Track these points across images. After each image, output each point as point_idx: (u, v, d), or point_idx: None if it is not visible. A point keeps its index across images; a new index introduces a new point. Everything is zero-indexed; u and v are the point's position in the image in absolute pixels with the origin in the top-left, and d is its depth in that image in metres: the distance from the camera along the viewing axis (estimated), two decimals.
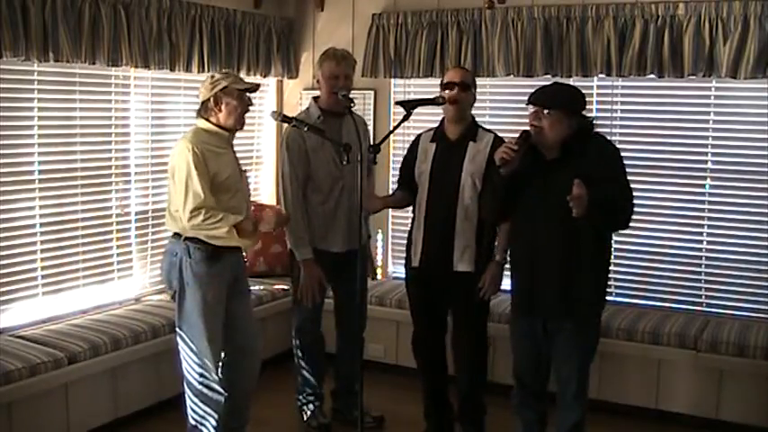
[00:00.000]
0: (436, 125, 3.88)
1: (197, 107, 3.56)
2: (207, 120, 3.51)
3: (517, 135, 3.23)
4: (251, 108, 3.60)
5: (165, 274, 3.60)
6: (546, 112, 3.15)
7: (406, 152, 3.99)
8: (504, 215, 3.43)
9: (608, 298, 4.72)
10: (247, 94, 3.53)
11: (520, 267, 3.40)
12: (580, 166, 3.07)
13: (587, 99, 4.69)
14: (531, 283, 3.30)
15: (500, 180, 3.26)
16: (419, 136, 3.93)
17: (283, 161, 4.01)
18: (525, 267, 3.34)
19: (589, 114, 3.34)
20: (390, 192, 4.31)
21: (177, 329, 3.58)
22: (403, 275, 4.32)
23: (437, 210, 3.73)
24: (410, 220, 3.98)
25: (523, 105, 3.27)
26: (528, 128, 3.22)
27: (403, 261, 4.08)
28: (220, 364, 3.57)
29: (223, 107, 3.46)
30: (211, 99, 3.45)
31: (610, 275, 4.71)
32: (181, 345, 3.58)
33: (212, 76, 3.51)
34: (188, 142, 3.41)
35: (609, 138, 4.66)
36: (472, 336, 3.81)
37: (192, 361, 3.55)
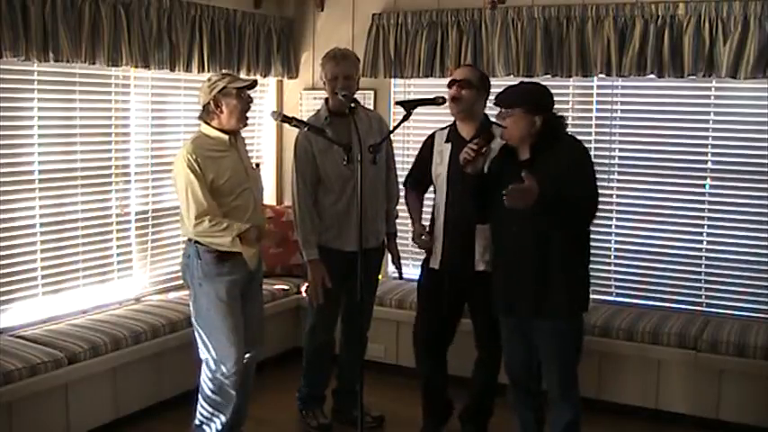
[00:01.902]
0: (450, 124, 3.87)
1: (198, 109, 3.58)
2: (209, 123, 3.53)
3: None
4: (251, 107, 3.61)
5: (182, 274, 3.69)
6: (507, 111, 3.22)
7: (419, 154, 3.97)
8: (486, 216, 3.45)
9: (607, 298, 4.82)
10: (246, 91, 3.54)
11: (496, 268, 3.45)
12: (549, 166, 3.09)
13: (588, 99, 4.80)
14: (506, 283, 3.34)
15: (468, 179, 3.31)
16: (433, 135, 3.92)
17: (293, 166, 4.05)
18: (501, 268, 3.39)
19: (560, 114, 3.36)
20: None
21: (194, 324, 3.63)
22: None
23: (456, 211, 3.71)
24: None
25: None
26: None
27: (407, 261, 4.07)
28: (238, 362, 3.58)
29: (224, 108, 3.48)
30: (211, 102, 3.48)
31: (609, 275, 4.82)
32: (198, 343, 3.62)
33: (209, 80, 3.53)
34: (185, 151, 3.45)
35: (609, 138, 4.74)
36: (494, 336, 3.82)
37: (208, 359, 3.58)
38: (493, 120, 3.82)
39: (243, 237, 3.41)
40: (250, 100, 3.58)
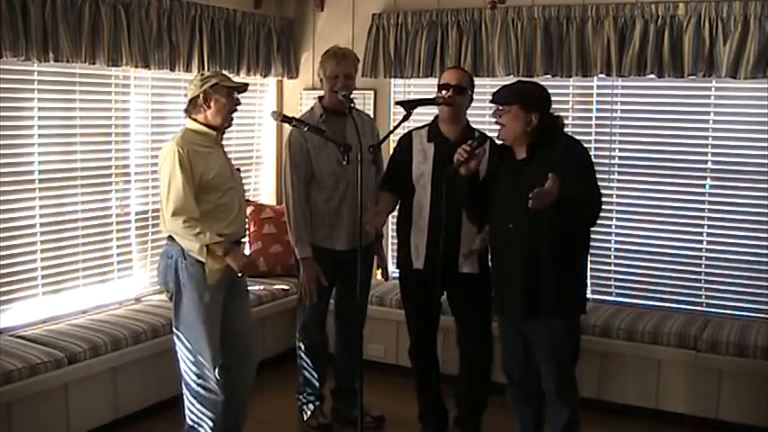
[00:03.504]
0: (428, 123, 3.85)
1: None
2: (195, 119, 3.51)
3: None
4: (251, 109, 3.62)
5: (161, 277, 3.60)
6: (503, 108, 3.23)
7: (396, 151, 3.92)
8: (480, 216, 3.45)
9: (607, 298, 4.82)
10: (236, 93, 3.53)
11: (493, 267, 3.46)
12: (547, 166, 3.09)
13: (588, 99, 4.80)
14: (500, 282, 3.36)
15: (462, 181, 3.32)
16: (410, 134, 3.88)
17: (285, 162, 4.03)
18: (496, 267, 3.41)
19: (558, 114, 3.37)
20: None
21: (174, 331, 3.58)
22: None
23: (441, 211, 3.69)
24: (397, 220, 3.95)
25: None
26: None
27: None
28: (218, 365, 3.56)
29: (212, 104, 3.45)
30: (200, 96, 3.45)
31: (609, 275, 4.82)
32: (178, 346, 3.58)
33: (202, 74, 3.52)
34: (175, 144, 3.42)
35: (609, 138, 4.74)
36: (480, 336, 3.81)
37: (190, 362, 3.55)
38: (473, 126, 3.84)
39: (210, 249, 3.35)
40: (238, 102, 3.56)
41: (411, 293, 3.92)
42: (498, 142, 3.41)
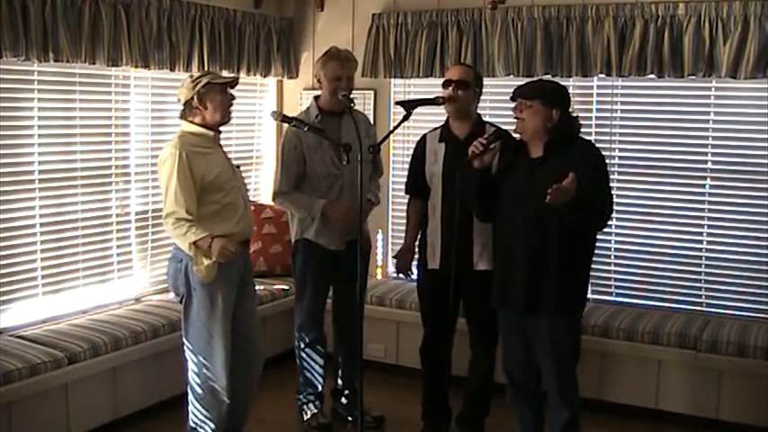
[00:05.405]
0: (441, 125, 3.88)
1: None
2: (191, 121, 3.50)
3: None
4: (251, 109, 3.62)
5: (171, 281, 3.59)
6: (524, 102, 3.25)
7: (413, 157, 3.97)
8: (487, 211, 3.46)
9: (607, 298, 4.82)
10: (228, 88, 3.52)
11: (496, 262, 3.47)
12: (563, 166, 3.09)
13: (588, 99, 4.80)
14: (504, 278, 3.36)
15: (474, 174, 3.33)
16: (424, 137, 3.92)
17: (278, 160, 4.04)
18: (500, 262, 3.41)
19: (574, 114, 3.38)
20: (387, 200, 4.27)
21: (183, 333, 3.57)
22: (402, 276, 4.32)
23: (453, 210, 3.67)
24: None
25: None
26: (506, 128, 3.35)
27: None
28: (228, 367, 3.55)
29: (208, 104, 3.45)
30: (195, 98, 3.44)
31: (609, 275, 4.82)
32: (186, 348, 3.57)
33: (191, 76, 3.51)
34: (173, 147, 3.41)
35: (609, 138, 4.74)
36: (490, 335, 3.81)
37: (198, 365, 3.54)
38: (486, 120, 3.86)
39: (198, 245, 3.33)
40: (233, 97, 3.56)
41: (426, 293, 3.94)
42: (516, 136, 3.41)
